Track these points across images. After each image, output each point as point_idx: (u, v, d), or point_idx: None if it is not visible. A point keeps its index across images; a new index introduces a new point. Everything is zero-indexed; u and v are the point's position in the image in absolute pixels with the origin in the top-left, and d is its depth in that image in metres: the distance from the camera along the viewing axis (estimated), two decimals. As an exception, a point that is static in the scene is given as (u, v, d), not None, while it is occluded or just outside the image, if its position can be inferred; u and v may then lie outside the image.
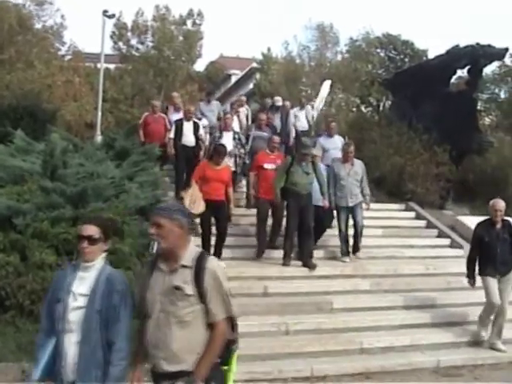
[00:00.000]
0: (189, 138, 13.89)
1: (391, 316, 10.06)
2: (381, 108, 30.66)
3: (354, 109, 30.87)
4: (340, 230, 12.00)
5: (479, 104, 26.14)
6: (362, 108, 31.46)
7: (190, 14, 39.87)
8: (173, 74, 39.02)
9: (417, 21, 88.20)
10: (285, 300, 9.73)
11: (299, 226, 11.06)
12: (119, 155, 11.77)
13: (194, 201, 10.07)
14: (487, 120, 29.77)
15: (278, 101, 16.90)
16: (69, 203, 9.35)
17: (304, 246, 11.21)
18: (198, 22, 40.06)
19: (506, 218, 9.72)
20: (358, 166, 12.20)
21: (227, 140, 12.83)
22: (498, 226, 9.58)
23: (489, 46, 17.65)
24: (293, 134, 16.23)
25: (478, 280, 9.55)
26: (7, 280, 8.32)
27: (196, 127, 14.08)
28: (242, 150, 13.35)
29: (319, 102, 20.03)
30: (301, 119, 16.88)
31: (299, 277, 10.86)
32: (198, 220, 10.39)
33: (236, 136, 13.36)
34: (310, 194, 11.20)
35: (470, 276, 9.59)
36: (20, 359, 7.41)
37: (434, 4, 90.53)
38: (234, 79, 55.50)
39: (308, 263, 11.06)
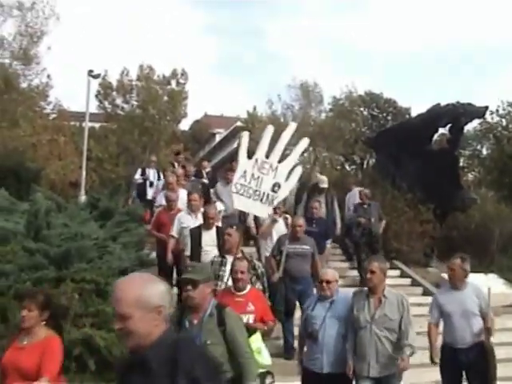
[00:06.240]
0: (212, 256, 9.31)
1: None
2: (365, 166, 30.94)
3: (339, 167, 31.10)
4: None
5: (462, 160, 26.50)
6: (347, 166, 31.72)
7: (174, 73, 40.21)
8: (158, 133, 39.14)
9: (399, 79, 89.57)
10: None
11: None
12: (103, 215, 11.71)
13: None
14: (470, 176, 30.13)
15: (324, 182, 13.47)
16: (52, 264, 9.28)
17: None
18: (182, 81, 40.38)
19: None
20: (393, 302, 7.34)
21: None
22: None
23: (469, 104, 17.91)
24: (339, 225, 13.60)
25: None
26: (-13, 342, 8.19)
27: (220, 235, 9.66)
28: (258, 285, 8.28)
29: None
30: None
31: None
32: None
33: (248, 258, 8.28)
34: None
35: None
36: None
37: (416, 62, 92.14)
38: (218, 138, 55.85)
39: None
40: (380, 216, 14.64)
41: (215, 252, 9.44)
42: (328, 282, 7.46)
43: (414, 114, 28.00)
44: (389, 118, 32.80)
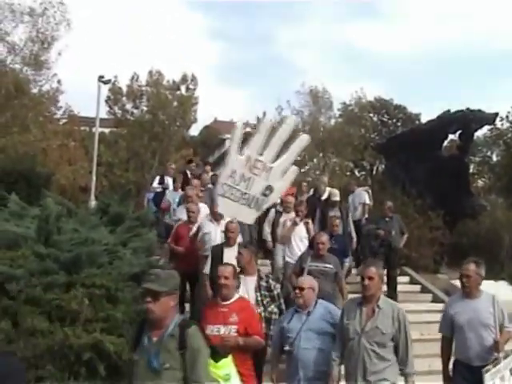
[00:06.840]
0: None
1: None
2: (374, 172, 30.95)
3: (348, 173, 31.12)
4: None
5: (472, 167, 26.49)
6: (356, 172, 31.73)
7: (184, 78, 40.26)
8: (167, 138, 39.20)
9: (409, 84, 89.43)
10: None
11: None
12: (113, 220, 11.71)
13: None
14: (480, 183, 30.14)
15: (336, 195, 13.30)
16: (62, 269, 9.30)
17: None
18: (191, 86, 40.41)
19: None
20: (388, 314, 6.46)
21: (244, 288, 7.62)
22: None
23: (479, 110, 17.94)
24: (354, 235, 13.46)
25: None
26: (-2, 347, 8.22)
27: None
28: (273, 307, 7.76)
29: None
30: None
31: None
32: None
33: (264, 278, 7.92)
34: None
35: None
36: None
37: (427, 68, 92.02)
38: (227, 144, 55.81)
39: None
40: (402, 229, 14.24)
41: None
42: (301, 289, 6.92)
43: (423, 120, 28.05)
44: (398, 124, 32.85)
